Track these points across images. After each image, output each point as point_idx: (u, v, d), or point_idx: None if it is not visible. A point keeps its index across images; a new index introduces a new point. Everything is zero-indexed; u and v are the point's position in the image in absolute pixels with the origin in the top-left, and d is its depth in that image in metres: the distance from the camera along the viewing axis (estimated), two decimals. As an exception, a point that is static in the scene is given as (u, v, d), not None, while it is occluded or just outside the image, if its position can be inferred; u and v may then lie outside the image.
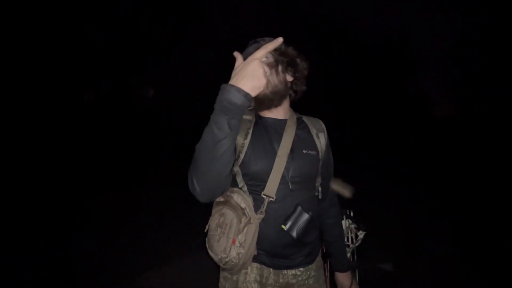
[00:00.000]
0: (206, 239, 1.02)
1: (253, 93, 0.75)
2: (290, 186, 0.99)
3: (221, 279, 1.10)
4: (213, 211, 1.03)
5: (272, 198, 0.96)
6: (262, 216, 0.95)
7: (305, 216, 0.96)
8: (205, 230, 1.03)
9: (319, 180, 1.08)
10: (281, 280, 1.03)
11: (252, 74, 0.74)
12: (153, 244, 3.03)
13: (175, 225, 3.49)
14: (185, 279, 2.45)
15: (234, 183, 1.01)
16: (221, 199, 1.02)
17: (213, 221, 1.00)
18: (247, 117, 1.03)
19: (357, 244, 1.25)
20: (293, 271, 1.03)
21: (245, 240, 0.92)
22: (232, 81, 0.75)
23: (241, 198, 0.96)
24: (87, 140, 7.51)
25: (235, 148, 0.96)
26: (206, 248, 1.01)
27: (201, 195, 0.83)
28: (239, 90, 0.73)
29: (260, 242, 0.97)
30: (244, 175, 0.99)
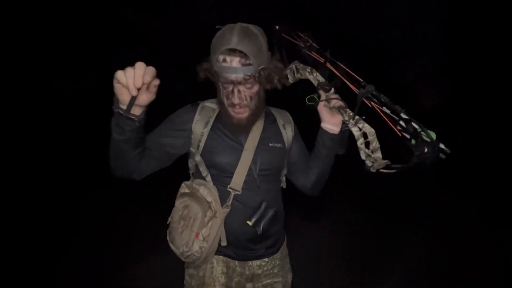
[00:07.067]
0: (168, 231, 1.00)
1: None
2: (257, 180, 0.98)
3: (187, 277, 1.08)
4: (177, 202, 1.00)
5: (238, 191, 0.96)
6: (228, 210, 0.95)
7: (270, 212, 0.96)
8: (167, 222, 1.01)
9: (284, 172, 1.10)
10: (247, 272, 1.04)
11: None
12: (139, 236, 2.93)
13: (159, 219, 3.42)
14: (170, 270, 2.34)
15: (198, 173, 1.00)
16: (186, 190, 1.01)
17: (176, 213, 0.98)
18: (211, 105, 1.00)
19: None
20: (258, 262, 1.05)
21: (209, 234, 0.92)
22: None
23: (207, 192, 0.95)
24: (72, 132, 7.28)
25: (192, 136, 0.97)
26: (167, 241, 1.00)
27: (113, 172, 0.88)
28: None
29: (225, 235, 0.98)
30: (208, 166, 0.97)
